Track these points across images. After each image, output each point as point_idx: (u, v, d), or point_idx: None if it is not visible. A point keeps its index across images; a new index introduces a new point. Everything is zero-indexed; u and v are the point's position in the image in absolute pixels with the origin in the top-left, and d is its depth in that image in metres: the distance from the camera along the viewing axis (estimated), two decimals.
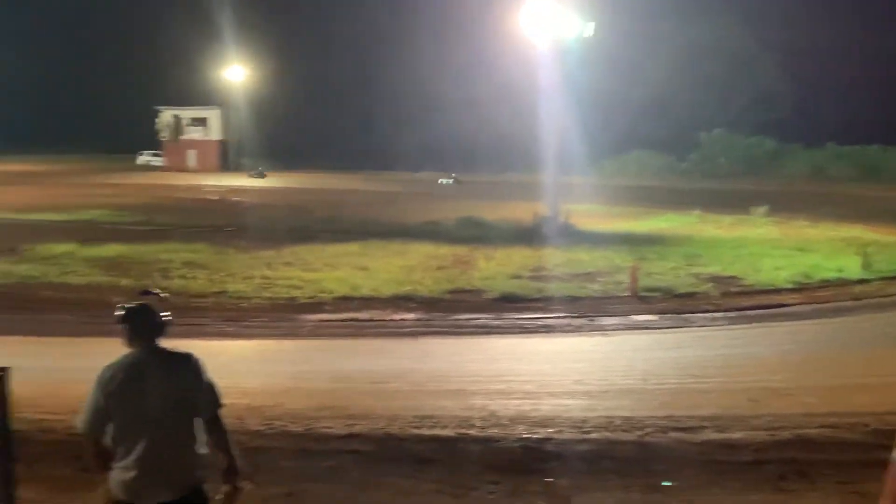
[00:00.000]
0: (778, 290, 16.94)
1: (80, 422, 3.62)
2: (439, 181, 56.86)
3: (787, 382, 9.67)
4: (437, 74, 68.11)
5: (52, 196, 40.38)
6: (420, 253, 21.39)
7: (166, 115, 71.97)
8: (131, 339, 3.65)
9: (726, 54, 69.62)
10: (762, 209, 32.66)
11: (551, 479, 6.07)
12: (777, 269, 18.63)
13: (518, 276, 18.05)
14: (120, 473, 3.56)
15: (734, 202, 36.35)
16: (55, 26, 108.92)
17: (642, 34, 64.82)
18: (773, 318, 14.86)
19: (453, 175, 58.15)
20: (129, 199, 39.05)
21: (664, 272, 18.44)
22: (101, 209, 32.63)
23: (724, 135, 68.47)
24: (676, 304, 15.82)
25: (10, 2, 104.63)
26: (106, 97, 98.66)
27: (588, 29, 28.73)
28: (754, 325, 14.48)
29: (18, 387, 4.17)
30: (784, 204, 34.42)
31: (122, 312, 3.66)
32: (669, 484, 5.97)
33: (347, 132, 75.62)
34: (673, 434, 7.22)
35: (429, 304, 15.57)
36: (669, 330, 14.10)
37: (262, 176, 58.46)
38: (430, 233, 25.35)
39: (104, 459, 3.62)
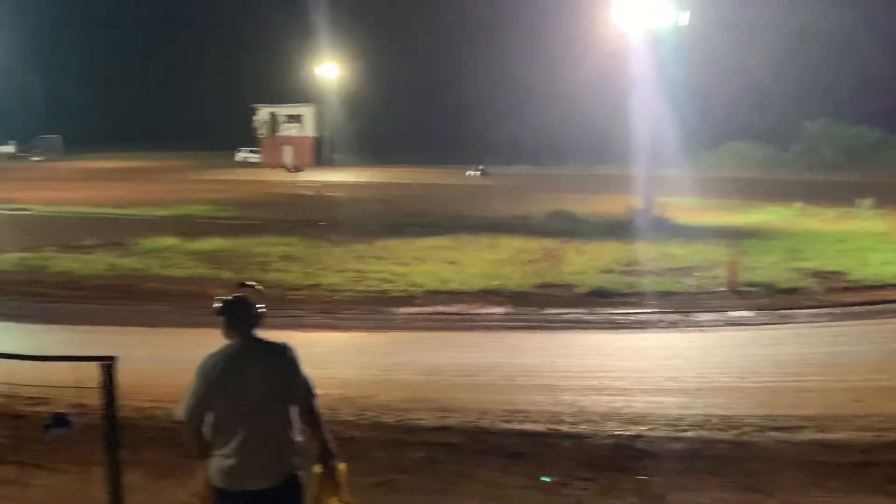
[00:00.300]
0: (886, 286, 16.13)
1: (181, 410, 3.74)
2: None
3: (894, 382, 9.22)
4: (528, 67, 67.72)
5: (155, 192, 42.04)
6: (509, 247, 21.31)
7: (263, 113, 73.95)
8: (229, 330, 3.76)
9: (830, 41, 66.64)
10: (868, 202, 31.11)
11: (645, 477, 5.95)
12: (885, 264, 17.72)
13: (610, 271, 17.76)
14: (219, 461, 3.66)
15: (838, 194, 34.78)
16: (158, 26, 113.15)
17: (740, 22, 62.65)
18: (880, 315, 14.15)
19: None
20: (228, 194, 40.26)
21: (764, 267, 17.82)
22: (202, 204, 33.73)
23: (828, 125, 65.54)
24: (776, 300, 15.26)
25: (112, 1, 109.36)
26: (206, 95, 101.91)
27: (683, 17, 28.01)
28: (859, 322, 13.83)
29: (124, 375, 4.33)
30: (891, 196, 32.72)
31: (220, 304, 3.77)
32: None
33: (437, 127, 75.96)
34: (771, 433, 6.98)
35: (518, 298, 15.49)
36: (769, 326, 13.63)
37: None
38: (520, 226, 25.23)
39: (204, 447, 3.73)
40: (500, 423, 7.39)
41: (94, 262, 17.53)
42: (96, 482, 4.62)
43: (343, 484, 3.85)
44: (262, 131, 74.12)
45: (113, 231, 23.81)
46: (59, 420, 4.23)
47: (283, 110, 73.84)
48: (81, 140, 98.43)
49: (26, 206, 34.06)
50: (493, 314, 14.52)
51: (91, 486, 4.64)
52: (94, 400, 4.42)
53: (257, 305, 3.80)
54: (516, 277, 17.01)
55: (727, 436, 6.96)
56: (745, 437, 6.91)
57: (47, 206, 34.22)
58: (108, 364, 4.22)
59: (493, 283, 16.37)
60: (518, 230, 24.17)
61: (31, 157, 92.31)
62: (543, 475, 5.94)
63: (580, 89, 60.52)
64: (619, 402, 8.23)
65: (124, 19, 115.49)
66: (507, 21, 71.71)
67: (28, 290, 14.76)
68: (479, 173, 57.17)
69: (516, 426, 7.31)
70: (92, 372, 4.34)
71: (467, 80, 75.76)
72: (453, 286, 16.25)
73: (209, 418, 3.68)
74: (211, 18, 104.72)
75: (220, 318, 3.77)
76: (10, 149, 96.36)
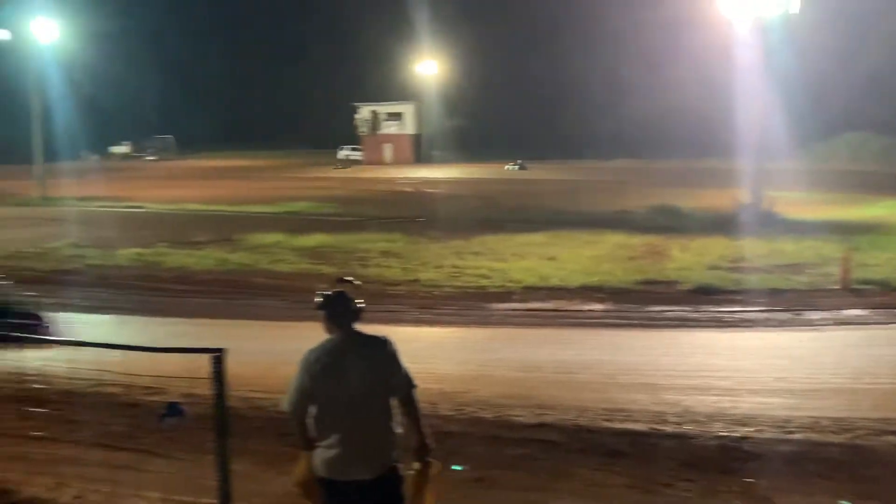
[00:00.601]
0: None
1: (285, 402, 3.85)
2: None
3: None
4: (628, 59, 66.44)
5: (261, 190, 43.34)
6: (610, 243, 20.98)
7: (365, 111, 75.21)
8: (329, 325, 3.84)
9: None
10: None
11: (751, 480, 5.76)
12: None
13: (716, 267, 17.26)
14: (322, 451, 3.76)
15: None
16: (262, 27, 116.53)
17: (855, 8, 59.68)
18: None
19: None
20: (331, 192, 41.11)
21: (880, 263, 16.96)
22: (306, 201, 34.57)
23: None
24: (893, 298, 14.49)
25: (217, 3, 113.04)
26: (309, 95, 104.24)
27: (793, 5, 26.91)
28: None
29: (233, 367, 4.48)
30: None
31: (320, 299, 3.86)
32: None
33: (536, 122, 75.45)
34: (887, 437, 6.64)
35: (619, 294, 15.24)
36: (884, 326, 12.98)
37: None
38: (621, 221, 24.80)
39: (308, 438, 3.83)
40: (600, 422, 7.29)
41: (206, 258, 18.20)
42: (207, 470, 4.81)
43: (435, 481, 3.88)
44: (364, 129, 75.39)
45: (222, 228, 24.69)
46: (173, 409, 4.42)
47: (383, 108, 74.89)
48: (192, 140, 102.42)
49: (141, 204, 35.74)
50: (593, 311, 14.33)
51: (202, 474, 4.83)
52: (205, 390, 4.60)
53: (356, 300, 3.86)
54: (617, 274, 16.74)
55: (839, 439, 6.67)
56: (858, 441, 6.60)
57: (161, 204, 35.80)
58: (218, 356, 4.37)
59: (593, 280, 16.16)
60: (619, 226, 23.77)
61: (145, 156, 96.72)
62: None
63: (684, 81, 58.98)
64: (724, 403, 7.99)
65: (230, 21, 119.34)
66: (607, 12, 70.45)
67: (143, 285, 15.48)
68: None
69: (617, 425, 7.20)
70: (203, 363, 4.51)
71: (566, 74, 75.02)
72: (552, 282, 16.13)
73: (312, 410, 3.78)
74: (313, 18, 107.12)
75: (321, 313, 3.85)
76: (125, 149, 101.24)
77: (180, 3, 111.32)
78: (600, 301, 14.88)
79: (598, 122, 64.40)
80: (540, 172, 54.23)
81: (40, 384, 7.41)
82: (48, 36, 44.67)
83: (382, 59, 79.55)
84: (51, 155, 56.03)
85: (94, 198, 39.59)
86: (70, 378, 5.89)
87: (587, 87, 70.11)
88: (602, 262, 18.20)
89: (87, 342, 4.83)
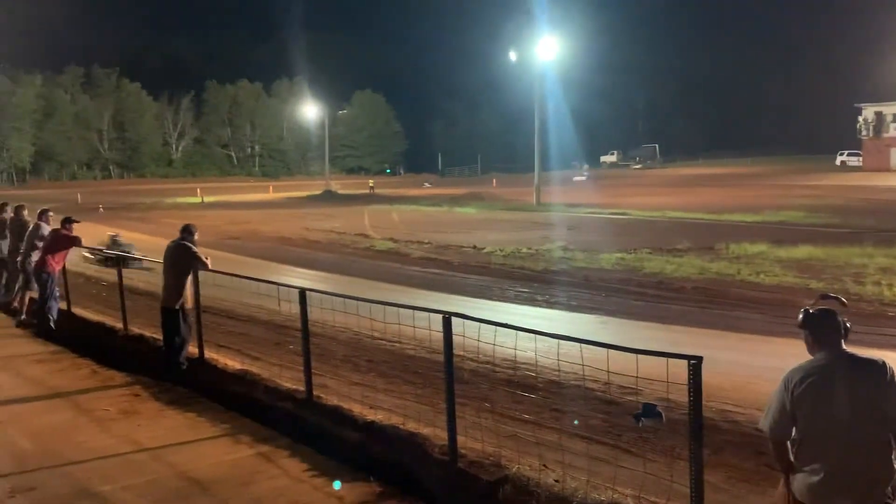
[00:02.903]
0: None
1: (764, 421, 3.71)
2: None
3: None
4: None
5: (745, 198, 42.04)
6: None
7: (868, 112, 68.10)
8: (812, 344, 3.61)
9: None
10: None
11: None
12: None
13: None
14: (804, 477, 3.54)
15: None
16: (751, 31, 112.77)
17: None
18: None
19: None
20: (824, 200, 38.22)
21: None
22: (795, 210, 32.65)
23: None
24: None
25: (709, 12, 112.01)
26: (802, 97, 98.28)
27: None
28: None
29: (707, 377, 4.44)
30: None
31: (803, 316, 3.64)
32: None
33: None
34: None
35: None
36: None
37: None
38: None
39: (787, 460, 3.64)
40: None
41: (685, 265, 18.23)
42: (678, 475, 4.84)
43: None
44: (865, 132, 68.33)
45: (704, 235, 24.52)
46: (649, 411, 4.52)
47: (891, 109, 66.92)
48: (675, 148, 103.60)
49: (625, 211, 37.19)
50: None
51: (674, 479, 4.87)
52: (680, 396, 4.63)
53: (843, 320, 3.57)
54: None
55: None
56: None
57: (644, 211, 36.84)
58: (695, 363, 4.37)
59: None
60: None
61: (631, 165, 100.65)
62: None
63: None
64: None
65: (722, 24, 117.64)
66: None
67: (623, 288, 16.07)
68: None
69: None
70: (677, 369, 4.55)
71: None
72: None
73: (793, 433, 3.59)
74: (807, 17, 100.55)
75: (804, 331, 3.63)
76: (612, 158, 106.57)
77: (670, 12, 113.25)
78: None
79: None
80: None
81: (531, 372, 8.20)
82: (549, 54, 48.85)
83: (890, 55, 71.23)
84: (546, 164, 61.76)
85: (583, 204, 42.37)
86: (555, 370, 6.40)
87: None
88: None
89: (572, 337, 5.20)
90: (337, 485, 5.90)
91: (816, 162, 70.74)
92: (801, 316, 3.67)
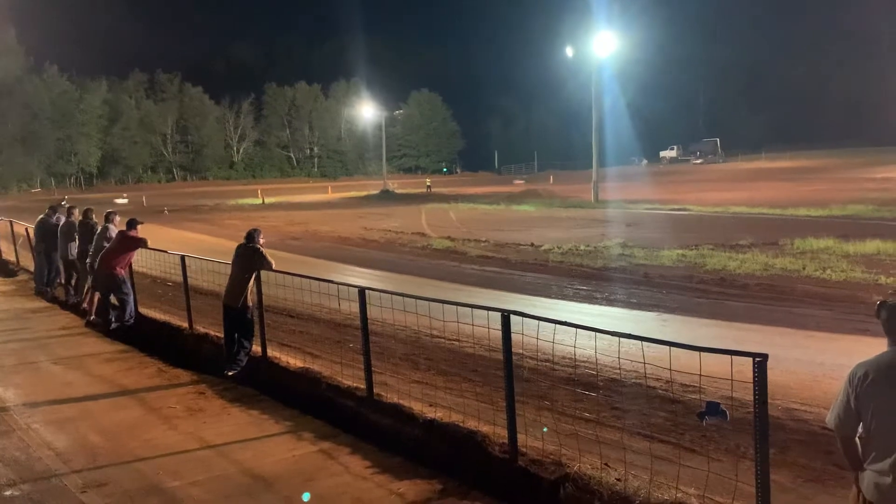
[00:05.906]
0: None
1: (830, 418, 3.63)
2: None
3: None
4: None
5: (811, 192, 41.04)
6: None
7: None
8: (889, 336, 3.52)
9: None
10: None
11: None
12: None
13: None
14: (872, 476, 3.46)
15: None
16: (819, 22, 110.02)
17: None
18: None
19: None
20: (894, 194, 37.06)
21: None
22: (862, 204, 31.73)
23: None
24: None
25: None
26: (874, 88, 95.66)
27: None
28: None
29: (773, 375, 4.37)
30: None
31: (877, 306, 3.57)
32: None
33: None
34: None
35: None
36: None
37: None
38: None
39: (856, 458, 3.56)
40: None
41: (748, 261, 17.87)
42: (743, 475, 4.76)
43: None
44: None
45: (767, 231, 24.01)
46: (713, 409, 4.46)
47: None
48: (737, 142, 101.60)
49: (686, 207, 36.63)
50: None
51: (738, 478, 4.80)
52: (744, 395, 4.55)
53: None
54: None
55: None
56: None
57: (705, 206, 36.24)
58: (760, 361, 4.30)
59: None
60: None
61: (692, 159, 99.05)
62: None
63: None
64: None
65: (781, 21, 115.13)
66: None
67: (684, 285, 15.81)
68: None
69: None
70: (742, 367, 4.48)
71: None
72: None
73: (860, 430, 3.50)
74: (875, 7, 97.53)
75: (881, 323, 3.56)
76: (672, 153, 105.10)
77: (731, 4, 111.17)
78: None
79: None
80: None
81: (591, 370, 8.15)
82: (606, 49, 48.36)
83: None
84: (604, 160, 61.36)
85: (642, 200, 41.86)
86: (616, 368, 6.37)
87: None
88: None
89: (633, 335, 5.16)
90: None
91: (885, 154, 68.51)
92: (877, 308, 3.61)
